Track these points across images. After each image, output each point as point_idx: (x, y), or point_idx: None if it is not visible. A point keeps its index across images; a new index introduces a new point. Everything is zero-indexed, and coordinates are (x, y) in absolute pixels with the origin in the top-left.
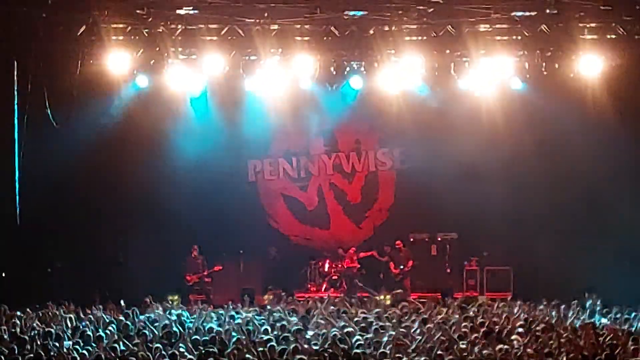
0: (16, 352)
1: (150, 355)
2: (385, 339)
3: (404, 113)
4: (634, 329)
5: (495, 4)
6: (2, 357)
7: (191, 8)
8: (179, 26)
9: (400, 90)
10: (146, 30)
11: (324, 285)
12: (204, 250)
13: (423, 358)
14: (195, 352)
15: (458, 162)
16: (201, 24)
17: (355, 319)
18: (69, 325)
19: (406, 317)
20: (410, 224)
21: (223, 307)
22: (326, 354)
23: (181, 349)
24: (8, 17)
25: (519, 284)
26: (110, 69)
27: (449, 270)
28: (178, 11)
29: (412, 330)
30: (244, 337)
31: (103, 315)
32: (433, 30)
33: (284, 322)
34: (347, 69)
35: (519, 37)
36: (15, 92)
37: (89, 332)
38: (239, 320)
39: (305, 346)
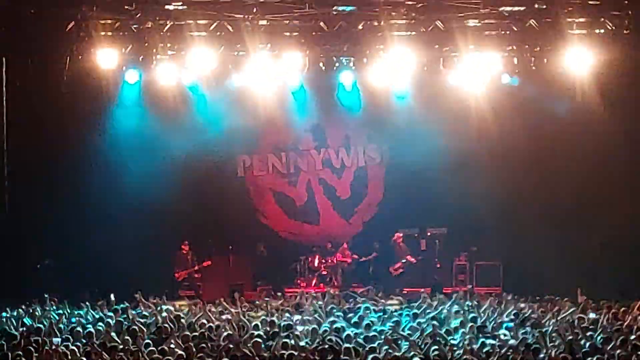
0: (5, 348)
1: (140, 351)
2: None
3: (393, 108)
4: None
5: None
6: None
7: (180, 4)
8: (168, 22)
9: (390, 85)
10: (135, 26)
11: (314, 281)
12: (193, 246)
13: (412, 353)
14: (185, 348)
15: (447, 158)
16: (190, 20)
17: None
18: (59, 321)
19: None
20: (399, 219)
21: (213, 303)
22: (317, 350)
23: (171, 345)
24: None
25: (508, 278)
26: (99, 65)
27: (438, 265)
28: (167, 7)
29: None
30: (234, 333)
31: (92, 311)
32: (422, 26)
33: (274, 318)
34: (337, 64)
35: (508, 33)
36: (4, 89)
37: (79, 328)
38: (230, 316)
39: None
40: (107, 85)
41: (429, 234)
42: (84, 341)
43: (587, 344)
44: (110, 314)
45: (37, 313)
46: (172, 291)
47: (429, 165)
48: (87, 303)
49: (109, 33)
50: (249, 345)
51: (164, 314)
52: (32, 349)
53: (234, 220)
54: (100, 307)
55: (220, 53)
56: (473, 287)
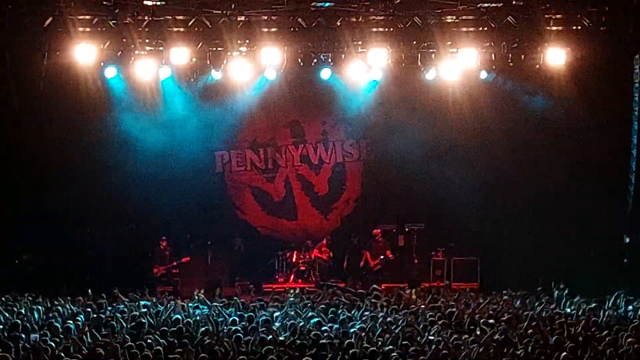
0: None
1: (118, 346)
2: (352, 329)
3: (371, 104)
4: (599, 319)
5: None
6: None
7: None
8: (146, 17)
9: (368, 81)
10: (113, 21)
11: (292, 276)
12: (171, 242)
13: (389, 348)
14: (163, 343)
15: (425, 154)
16: (168, 16)
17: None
18: (37, 316)
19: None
20: (377, 215)
21: (191, 298)
22: (294, 345)
23: (149, 340)
24: None
25: (485, 274)
26: (77, 61)
27: (416, 261)
28: (145, 2)
29: (379, 321)
30: (212, 328)
31: (71, 306)
32: (400, 22)
33: (252, 313)
34: (315, 60)
35: (486, 29)
36: None
37: (57, 324)
38: (207, 311)
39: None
40: (86, 81)
41: (406, 229)
42: (62, 337)
43: None
44: (89, 309)
45: (15, 308)
46: (150, 287)
47: (407, 161)
48: (66, 298)
49: (87, 29)
50: (226, 340)
51: (142, 309)
52: (10, 345)
53: (212, 216)
54: (78, 302)
55: (198, 49)
56: (450, 283)
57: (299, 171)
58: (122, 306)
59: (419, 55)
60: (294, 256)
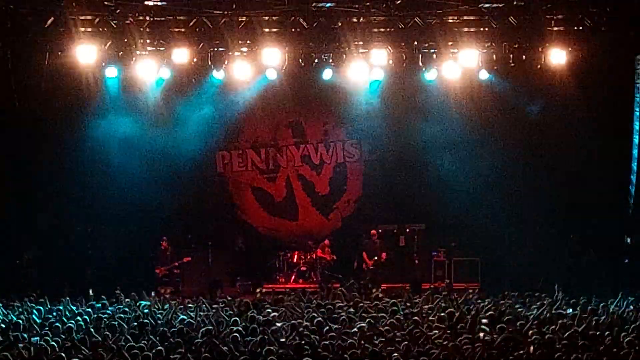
0: None
1: (119, 347)
2: (353, 330)
3: (373, 105)
4: (600, 319)
5: None
6: None
7: (159, 0)
8: (147, 18)
9: (369, 82)
10: (114, 21)
11: (293, 277)
12: (172, 242)
13: (390, 348)
14: (164, 344)
15: (426, 154)
16: (169, 16)
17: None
18: (38, 316)
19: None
20: (378, 215)
21: (192, 299)
22: (295, 345)
23: (150, 341)
24: None
25: (486, 274)
26: (78, 61)
27: (416, 261)
28: (146, 2)
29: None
30: (213, 329)
31: (72, 307)
32: (401, 22)
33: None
34: (316, 60)
35: (487, 29)
36: None
37: (58, 324)
38: (209, 312)
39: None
40: (87, 82)
41: (407, 230)
42: (63, 337)
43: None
44: (90, 309)
45: (16, 308)
46: (152, 287)
47: (408, 161)
48: (67, 298)
49: (89, 29)
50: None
51: (144, 310)
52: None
53: (213, 217)
54: (79, 302)
55: (199, 49)
56: (451, 283)
57: (300, 171)
58: (124, 306)
59: (420, 55)
60: (295, 256)
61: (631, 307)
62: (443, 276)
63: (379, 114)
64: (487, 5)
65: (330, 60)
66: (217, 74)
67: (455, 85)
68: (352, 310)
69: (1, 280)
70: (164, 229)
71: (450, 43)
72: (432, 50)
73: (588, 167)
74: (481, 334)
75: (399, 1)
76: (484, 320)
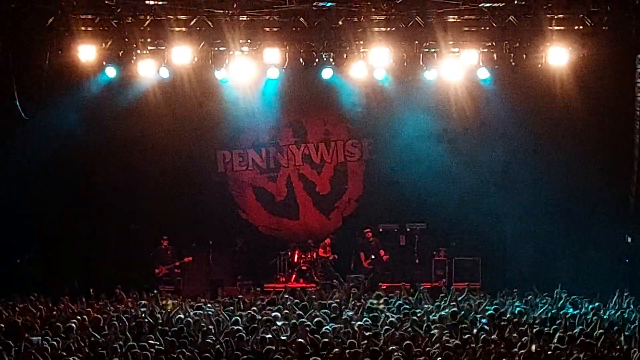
0: None
1: (120, 346)
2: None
3: (373, 104)
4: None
5: None
6: None
7: None
8: (148, 17)
9: (370, 81)
10: (115, 21)
11: (294, 276)
12: (173, 241)
13: (392, 347)
14: (164, 343)
15: (427, 153)
16: (170, 15)
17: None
18: (39, 316)
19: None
20: (379, 214)
21: (193, 298)
22: (295, 344)
23: (151, 340)
24: None
25: (487, 274)
26: (79, 60)
27: (417, 261)
28: (147, 2)
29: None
30: (213, 328)
31: (72, 306)
32: (401, 22)
33: (253, 313)
34: (316, 60)
35: (487, 28)
36: None
37: (59, 323)
38: (209, 311)
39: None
40: (87, 80)
41: (408, 229)
42: (64, 336)
43: None
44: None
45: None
46: (153, 286)
47: (408, 161)
48: (68, 298)
49: (89, 28)
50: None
51: (144, 309)
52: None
53: (214, 216)
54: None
55: (200, 48)
56: (450, 283)
57: (301, 171)
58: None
59: (421, 54)
60: (296, 256)
61: (632, 307)
62: (444, 276)
63: (380, 113)
64: (487, 4)
65: (331, 60)
66: (218, 74)
67: (456, 85)
68: (351, 310)
69: (1, 280)
70: (164, 228)
71: (451, 42)
72: (432, 50)
73: (589, 166)
74: (480, 334)
75: (400, 0)
76: (484, 320)
